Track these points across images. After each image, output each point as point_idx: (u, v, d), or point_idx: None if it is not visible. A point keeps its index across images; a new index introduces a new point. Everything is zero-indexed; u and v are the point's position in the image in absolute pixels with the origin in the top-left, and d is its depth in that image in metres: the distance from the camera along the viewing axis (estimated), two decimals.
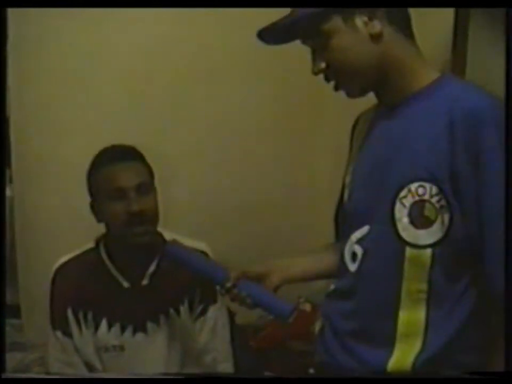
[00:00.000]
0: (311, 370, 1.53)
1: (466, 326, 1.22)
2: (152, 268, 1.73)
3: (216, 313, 1.77)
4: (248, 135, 2.48)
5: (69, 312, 1.69)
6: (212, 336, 1.77)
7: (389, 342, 1.26)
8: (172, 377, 1.55)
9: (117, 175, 1.63)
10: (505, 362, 1.10)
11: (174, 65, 2.36)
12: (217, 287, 1.48)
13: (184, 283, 1.72)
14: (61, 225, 2.30)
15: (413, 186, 1.20)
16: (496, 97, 1.19)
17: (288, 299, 1.44)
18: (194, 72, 2.38)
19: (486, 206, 1.15)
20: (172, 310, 1.74)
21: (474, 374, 1.17)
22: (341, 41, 1.24)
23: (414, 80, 1.26)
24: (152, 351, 1.73)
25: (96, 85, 2.31)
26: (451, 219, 1.18)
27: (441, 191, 1.17)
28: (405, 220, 1.21)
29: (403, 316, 1.24)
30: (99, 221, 1.69)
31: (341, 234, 1.42)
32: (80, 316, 1.70)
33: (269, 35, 1.29)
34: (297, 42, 1.31)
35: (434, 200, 1.18)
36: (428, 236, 1.20)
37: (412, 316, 1.24)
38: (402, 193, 1.21)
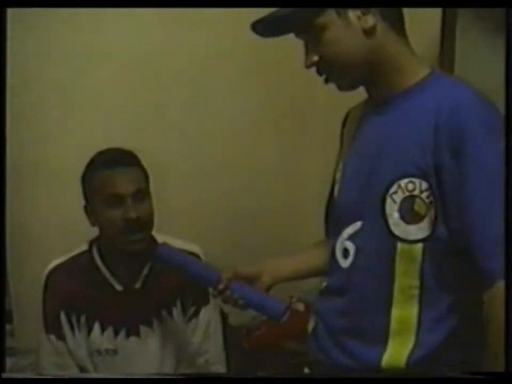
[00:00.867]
0: (306, 370, 1.53)
1: (459, 325, 1.23)
2: (145, 271, 1.72)
3: (208, 315, 1.77)
4: (239, 137, 2.48)
5: (62, 315, 1.68)
6: (204, 338, 1.77)
7: (382, 339, 1.26)
8: (166, 377, 1.54)
9: (114, 180, 1.61)
10: (505, 362, 1.09)
11: (166, 68, 2.35)
12: (210, 289, 1.48)
13: (177, 285, 1.71)
14: (52, 230, 2.29)
15: (403, 182, 1.20)
16: (482, 94, 1.19)
17: (280, 299, 1.43)
18: (184, 76, 2.38)
19: (469, 201, 1.14)
20: (164, 313, 1.73)
21: (474, 374, 1.17)
22: (334, 35, 1.24)
23: (405, 77, 1.26)
24: (145, 354, 1.72)
25: (89, 90, 2.30)
26: (436, 214, 1.18)
27: (430, 186, 1.18)
28: (396, 215, 1.22)
29: (396, 312, 1.25)
30: (93, 224, 1.68)
31: (332, 230, 1.42)
32: (73, 319, 1.69)
33: (262, 27, 1.29)
34: (290, 38, 1.32)
35: (424, 195, 1.19)
36: (419, 231, 1.20)
37: (404, 313, 1.24)
38: (393, 189, 1.22)
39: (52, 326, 1.69)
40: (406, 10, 1.29)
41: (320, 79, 1.32)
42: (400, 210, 1.21)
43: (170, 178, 2.30)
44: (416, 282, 1.22)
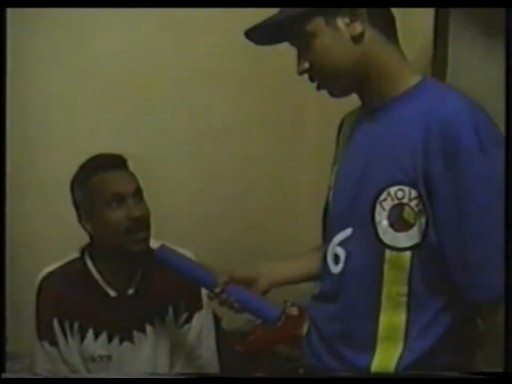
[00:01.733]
0: (301, 372, 1.53)
1: (449, 331, 1.23)
2: (138, 276, 1.72)
3: (201, 320, 1.77)
4: (233, 140, 2.49)
5: (55, 322, 1.68)
6: (197, 343, 1.77)
7: (371, 345, 1.26)
8: (161, 377, 1.54)
9: (113, 181, 1.62)
10: (505, 362, 1.10)
11: (160, 73, 2.36)
12: (207, 292, 1.48)
13: (170, 291, 1.71)
14: (46, 235, 2.28)
15: (392, 190, 1.20)
16: (474, 100, 1.19)
17: (275, 303, 1.44)
18: (178, 81, 2.38)
19: (463, 211, 1.14)
20: (157, 319, 1.73)
21: (474, 374, 1.17)
22: (323, 42, 1.24)
23: (395, 83, 1.26)
24: (139, 360, 1.72)
25: (82, 95, 2.30)
26: (427, 223, 1.18)
27: (419, 195, 1.18)
28: (385, 222, 1.22)
29: (384, 319, 1.25)
30: (88, 231, 1.67)
31: (326, 236, 1.42)
32: (66, 325, 1.69)
33: (255, 35, 1.30)
34: (284, 44, 1.32)
35: (413, 203, 1.19)
36: (407, 239, 1.20)
37: (392, 319, 1.24)
38: (382, 196, 1.22)
39: (44, 333, 1.69)
40: (398, 16, 1.29)
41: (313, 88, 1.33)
42: (390, 218, 1.21)
43: (164, 184, 2.30)
44: (405, 290, 1.22)
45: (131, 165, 1.71)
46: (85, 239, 1.72)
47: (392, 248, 1.21)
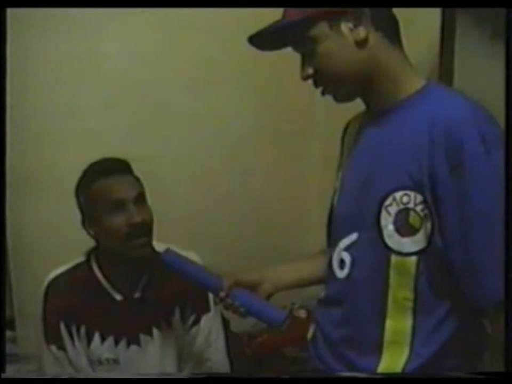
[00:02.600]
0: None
1: (455, 334, 1.23)
2: (144, 280, 1.72)
3: (209, 323, 1.76)
4: (238, 144, 2.49)
5: (62, 326, 1.69)
6: (206, 346, 1.76)
7: (377, 349, 1.27)
8: (166, 377, 1.55)
9: (115, 187, 1.62)
10: (505, 362, 1.10)
11: (164, 75, 2.36)
12: (212, 296, 1.48)
13: (176, 294, 1.71)
14: (53, 238, 2.29)
15: (398, 195, 1.20)
16: (478, 104, 1.19)
17: (282, 305, 1.44)
18: (183, 83, 2.39)
19: (469, 216, 1.14)
20: (164, 322, 1.73)
21: (474, 374, 1.17)
22: (327, 47, 1.24)
23: (400, 87, 1.26)
24: (146, 363, 1.72)
25: (86, 97, 2.31)
26: (432, 228, 1.18)
27: (425, 199, 1.17)
28: (390, 227, 1.22)
29: (390, 323, 1.25)
30: (92, 235, 1.68)
31: (331, 240, 1.42)
32: (73, 329, 1.70)
33: (259, 41, 1.30)
34: (288, 49, 1.32)
35: (418, 208, 1.18)
36: (413, 243, 1.20)
37: (398, 324, 1.25)
38: (388, 201, 1.22)
39: (52, 337, 1.70)
40: (402, 19, 1.29)
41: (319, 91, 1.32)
42: (395, 223, 1.21)
43: (168, 186, 2.30)
44: (411, 294, 1.23)
45: (135, 168, 1.71)
46: (91, 242, 1.72)
47: (398, 253, 1.21)
